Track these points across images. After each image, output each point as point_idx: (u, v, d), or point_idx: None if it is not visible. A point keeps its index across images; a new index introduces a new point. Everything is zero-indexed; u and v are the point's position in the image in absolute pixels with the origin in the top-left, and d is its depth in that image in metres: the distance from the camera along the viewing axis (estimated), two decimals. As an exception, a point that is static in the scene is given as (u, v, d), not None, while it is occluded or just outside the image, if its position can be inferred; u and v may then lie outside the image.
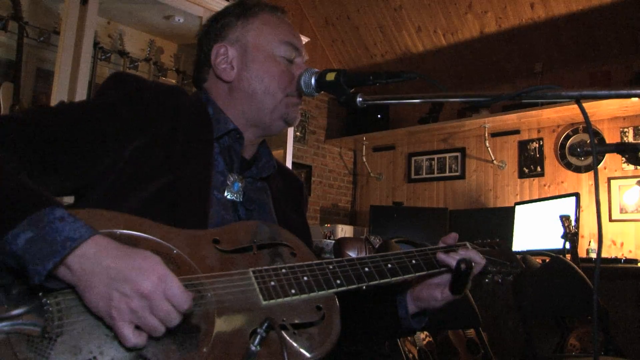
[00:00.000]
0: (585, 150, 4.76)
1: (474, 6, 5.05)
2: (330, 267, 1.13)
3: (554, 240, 3.88)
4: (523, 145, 5.30)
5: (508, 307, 4.44)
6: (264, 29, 1.34)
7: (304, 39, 4.65)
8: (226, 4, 3.96)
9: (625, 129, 4.66)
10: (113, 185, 1.11)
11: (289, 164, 4.65)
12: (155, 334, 0.86)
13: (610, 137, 4.72)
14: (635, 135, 4.62)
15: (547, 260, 3.06)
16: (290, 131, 4.74)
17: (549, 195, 4.77)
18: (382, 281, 1.17)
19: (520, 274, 1.41)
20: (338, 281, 1.11)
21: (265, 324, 0.96)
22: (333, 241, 4.01)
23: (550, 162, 5.11)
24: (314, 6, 5.91)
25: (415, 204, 5.99)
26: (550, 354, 3.23)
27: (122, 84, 1.21)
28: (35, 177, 1.00)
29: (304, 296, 1.06)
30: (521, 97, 0.98)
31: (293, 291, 1.06)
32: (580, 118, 4.67)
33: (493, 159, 5.40)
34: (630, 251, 4.46)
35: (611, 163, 4.68)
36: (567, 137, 5.01)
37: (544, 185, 5.11)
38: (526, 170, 5.24)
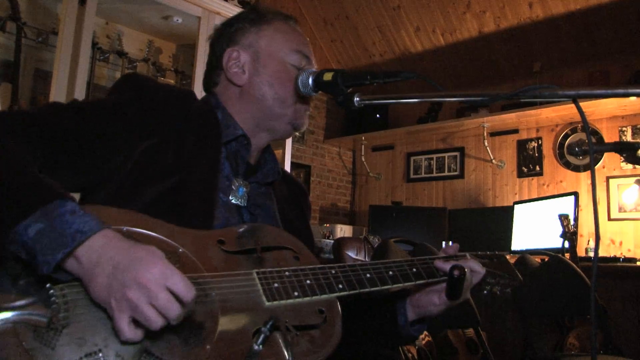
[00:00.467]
0: (583, 150, 4.77)
1: (472, 6, 5.05)
2: (333, 271, 1.15)
3: (553, 239, 3.88)
4: (522, 145, 5.30)
5: (507, 307, 4.45)
6: (276, 36, 1.36)
7: (303, 39, 4.64)
8: (224, 4, 3.98)
9: (624, 128, 4.66)
10: (121, 184, 1.12)
11: (287, 164, 4.65)
12: (152, 326, 0.85)
13: (609, 136, 4.73)
14: (633, 134, 4.62)
15: (546, 260, 3.06)
16: (289, 131, 4.73)
17: (547, 195, 4.77)
18: (383, 287, 1.19)
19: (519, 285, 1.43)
20: (340, 285, 1.13)
21: (270, 323, 0.98)
22: (332, 241, 4.01)
23: (549, 161, 5.11)
24: (312, 6, 5.90)
25: (414, 203, 5.99)
26: (550, 353, 3.24)
27: (134, 85, 1.23)
28: (46, 172, 1.01)
29: (306, 299, 1.08)
30: (519, 97, 0.98)
31: (296, 294, 1.07)
32: (579, 117, 4.66)
33: (492, 158, 5.40)
34: (629, 250, 4.46)
35: (610, 162, 4.69)
36: (566, 137, 5.01)
37: (543, 185, 5.11)
38: (525, 170, 5.24)
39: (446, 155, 5.86)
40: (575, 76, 5.00)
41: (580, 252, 4.28)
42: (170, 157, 1.18)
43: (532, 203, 4.62)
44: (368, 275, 1.18)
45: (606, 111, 4.65)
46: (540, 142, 5.18)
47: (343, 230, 5.46)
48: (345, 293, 1.13)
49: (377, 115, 5.98)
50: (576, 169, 4.91)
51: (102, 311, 0.87)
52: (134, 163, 1.14)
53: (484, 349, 3.13)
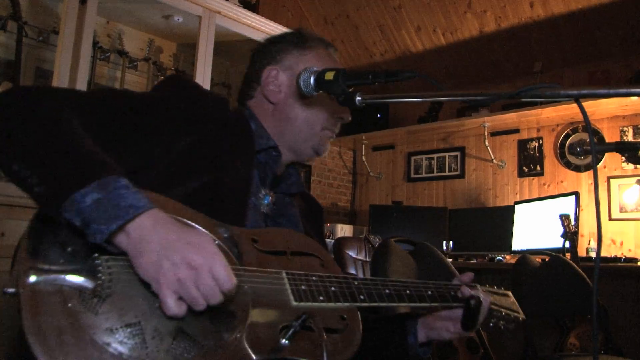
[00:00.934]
0: (585, 150, 4.76)
1: (473, 5, 5.05)
2: (356, 282, 1.21)
3: (553, 239, 3.88)
4: (522, 145, 5.30)
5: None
6: (316, 63, 1.38)
7: (304, 39, 4.64)
8: (225, 3, 3.98)
9: (625, 128, 4.66)
10: (159, 175, 1.16)
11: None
12: (196, 307, 0.90)
13: (610, 136, 4.72)
14: (634, 134, 4.62)
15: (547, 260, 3.06)
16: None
17: (548, 195, 4.77)
18: (400, 304, 1.26)
19: (520, 322, 1.52)
20: (362, 297, 1.19)
21: (302, 318, 1.05)
22: (332, 241, 4.00)
23: (550, 161, 5.10)
24: (313, 5, 5.90)
25: (414, 203, 5.99)
26: (550, 353, 3.23)
27: (179, 85, 1.29)
28: None
29: (330, 304, 1.14)
30: (520, 96, 0.98)
31: (321, 298, 1.13)
32: (580, 117, 4.67)
33: (492, 158, 5.40)
34: (630, 250, 4.46)
35: (611, 162, 4.68)
36: (567, 136, 5.01)
37: (544, 185, 5.11)
38: (526, 170, 5.24)
39: (447, 155, 5.86)
40: (576, 76, 5.00)
41: (581, 252, 4.28)
42: (208, 155, 1.22)
43: (532, 203, 4.62)
44: (387, 291, 1.25)
45: (607, 111, 4.64)
46: (541, 142, 5.18)
47: (343, 230, 5.46)
48: (366, 304, 1.19)
49: (378, 115, 5.97)
50: (577, 169, 4.90)
51: (143, 287, 0.91)
52: (175, 155, 1.19)
53: (485, 349, 3.13)
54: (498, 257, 4.66)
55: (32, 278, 0.85)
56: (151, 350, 0.87)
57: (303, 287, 1.12)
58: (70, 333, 0.82)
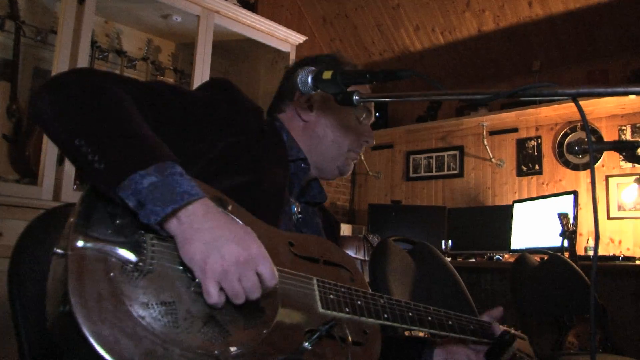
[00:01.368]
0: (583, 149, 4.76)
1: (471, 4, 5.05)
2: (382, 301, 1.25)
3: (552, 238, 3.88)
4: (521, 144, 5.30)
5: (506, 305, 4.44)
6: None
7: (302, 38, 4.65)
8: (223, 3, 3.98)
9: (623, 127, 4.66)
10: (201, 171, 1.18)
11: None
12: (236, 300, 0.94)
13: (608, 135, 4.73)
14: (633, 133, 4.62)
15: (546, 259, 3.06)
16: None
17: (547, 194, 4.76)
18: (421, 329, 1.29)
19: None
20: (385, 315, 1.23)
21: (330, 324, 1.08)
22: (331, 240, 3.99)
23: (549, 160, 5.11)
24: (312, 5, 5.90)
25: (413, 202, 5.99)
26: (549, 352, 3.24)
27: (223, 88, 1.32)
28: None
29: (354, 317, 1.17)
30: (518, 95, 0.98)
31: (347, 309, 1.16)
32: (579, 116, 4.67)
33: (491, 157, 5.40)
34: (628, 249, 4.46)
35: (609, 161, 4.69)
36: (565, 135, 5.01)
37: (542, 184, 5.11)
38: (524, 169, 5.24)
39: (445, 154, 5.86)
40: (575, 75, 5.00)
41: (580, 251, 4.28)
42: (248, 157, 1.26)
43: (531, 202, 4.63)
44: (410, 314, 1.28)
45: (605, 110, 4.64)
46: (539, 141, 5.18)
47: (342, 229, 5.45)
48: (389, 323, 1.22)
49: (377, 114, 5.95)
50: (575, 167, 4.90)
51: (182, 271, 0.95)
52: (217, 153, 1.22)
53: None
54: (497, 256, 4.66)
55: (81, 242, 0.88)
56: (181, 330, 0.90)
57: (331, 296, 1.15)
58: (109, 300, 0.85)
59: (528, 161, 5.23)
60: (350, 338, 1.12)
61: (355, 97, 1.15)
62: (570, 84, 4.76)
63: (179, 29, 4.20)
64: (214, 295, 0.91)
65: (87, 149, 0.92)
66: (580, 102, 0.90)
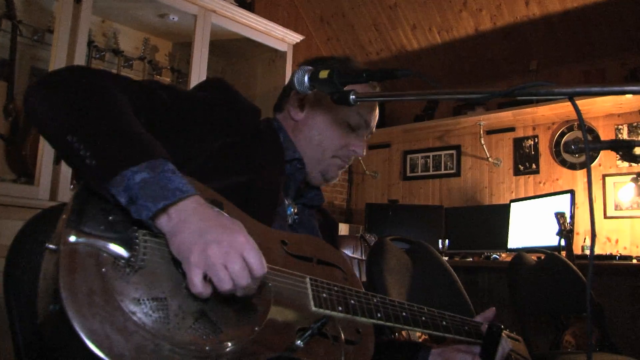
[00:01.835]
0: (579, 148, 4.76)
1: (468, 4, 5.05)
2: (375, 300, 1.24)
3: (549, 237, 3.89)
4: (518, 143, 5.31)
5: (504, 305, 4.45)
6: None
7: (299, 38, 4.64)
8: (220, 2, 3.97)
9: (620, 126, 4.67)
10: (195, 170, 1.18)
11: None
12: (221, 286, 0.91)
13: (605, 134, 4.73)
14: (629, 132, 4.63)
15: (543, 258, 3.07)
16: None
17: (544, 193, 4.77)
18: (414, 329, 1.30)
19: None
20: (379, 314, 1.22)
21: (321, 322, 1.08)
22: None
23: (546, 159, 5.11)
24: (309, 4, 5.90)
25: (410, 201, 5.99)
26: (546, 351, 3.24)
27: (220, 88, 1.32)
28: None
29: (347, 316, 1.17)
30: (514, 94, 0.98)
31: (340, 308, 1.16)
32: (575, 115, 4.67)
33: (488, 156, 5.41)
34: (625, 248, 4.47)
35: (606, 160, 4.69)
36: (562, 135, 5.01)
37: (539, 183, 5.11)
38: (521, 168, 5.25)
39: (443, 153, 5.86)
40: (572, 74, 5.01)
41: (577, 250, 4.29)
42: (243, 158, 1.27)
43: (528, 201, 4.63)
44: (404, 314, 1.28)
45: (602, 109, 4.65)
46: (536, 140, 5.19)
47: (340, 229, 5.46)
48: (382, 322, 1.22)
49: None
50: (572, 167, 4.91)
51: (174, 266, 0.95)
52: (210, 154, 1.23)
53: (481, 347, 3.13)
54: (494, 256, 4.67)
55: (73, 238, 0.88)
56: (172, 326, 0.90)
57: (324, 295, 1.15)
58: (100, 295, 0.86)
59: (525, 160, 5.23)
60: (343, 336, 1.12)
61: (352, 97, 1.15)
62: (568, 83, 4.78)
63: (176, 28, 4.19)
64: (197, 285, 0.90)
65: (79, 145, 0.92)
66: (577, 102, 0.91)
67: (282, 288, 1.09)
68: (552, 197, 4.33)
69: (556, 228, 3.44)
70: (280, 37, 4.50)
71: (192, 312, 0.93)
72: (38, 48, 3.64)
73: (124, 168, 0.90)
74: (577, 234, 4.61)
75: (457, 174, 5.71)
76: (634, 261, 3.95)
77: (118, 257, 0.91)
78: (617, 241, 4.53)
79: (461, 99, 1.12)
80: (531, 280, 2.89)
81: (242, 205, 1.15)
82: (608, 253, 4.30)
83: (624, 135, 4.65)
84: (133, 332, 0.85)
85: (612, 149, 1.69)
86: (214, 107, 1.26)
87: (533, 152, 5.19)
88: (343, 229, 5.52)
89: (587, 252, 4.47)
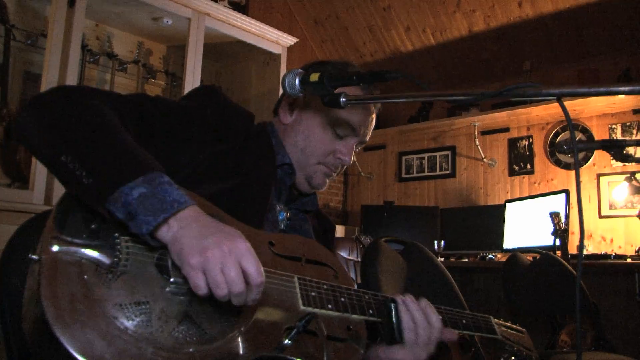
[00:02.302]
0: (571, 148, 4.78)
1: (462, 5, 5.07)
2: (366, 297, 1.24)
3: (544, 237, 3.90)
4: (513, 143, 5.32)
5: (499, 305, 4.46)
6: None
7: (293, 40, 4.65)
8: (214, 5, 3.97)
9: (614, 126, 4.69)
10: (184, 178, 1.19)
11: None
12: (217, 291, 0.91)
13: (599, 134, 4.75)
14: (623, 131, 4.64)
15: (538, 258, 3.07)
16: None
17: (539, 193, 4.78)
18: None
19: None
20: (371, 311, 1.22)
21: (306, 319, 1.07)
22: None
23: (540, 159, 5.13)
24: (302, 6, 5.91)
25: (406, 202, 6.00)
26: (542, 351, 3.25)
27: (209, 96, 1.32)
28: None
29: (337, 314, 1.16)
30: (503, 95, 0.98)
31: (330, 306, 1.16)
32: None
33: (483, 157, 5.42)
34: (619, 247, 4.48)
35: (600, 159, 4.71)
36: (557, 135, 5.03)
37: (534, 183, 5.13)
38: (516, 168, 5.26)
39: (437, 154, 5.88)
40: (565, 74, 5.02)
41: (572, 250, 4.29)
42: (232, 164, 1.27)
43: (523, 201, 4.64)
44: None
45: (596, 109, 4.67)
46: (531, 141, 5.20)
47: (335, 231, 5.45)
48: (374, 319, 1.22)
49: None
50: (567, 166, 4.92)
51: (157, 271, 0.96)
52: (200, 162, 1.23)
53: (476, 348, 3.14)
54: (489, 256, 4.68)
55: (55, 247, 0.89)
56: (155, 329, 0.91)
57: (313, 294, 1.15)
58: (83, 302, 0.86)
59: (520, 161, 5.25)
60: (325, 332, 1.11)
61: (342, 99, 1.15)
62: (561, 83, 4.78)
63: (170, 31, 4.20)
64: (203, 287, 0.90)
65: (74, 164, 0.92)
66: (571, 102, 0.91)
67: (269, 288, 1.09)
68: (547, 197, 4.35)
69: (551, 228, 3.45)
70: (275, 39, 4.51)
71: (175, 315, 0.94)
72: (31, 52, 3.64)
73: (121, 184, 0.90)
74: (572, 233, 4.62)
75: (452, 174, 5.72)
76: (629, 260, 3.96)
77: (100, 263, 0.92)
78: (611, 240, 4.54)
79: (452, 100, 1.12)
80: (526, 280, 2.89)
81: (231, 210, 1.15)
82: (603, 252, 4.31)
83: (618, 134, 4.66)
84: (115, 336, 0.86)
85: (604, 149, 1.69)
86: (204, 115, 1.26)
87: (528, 153, 5.20)
88: (338, 230, 5.52)
89: (583, 251, 4.48)
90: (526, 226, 4.41)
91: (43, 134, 0.99)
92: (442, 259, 4.71)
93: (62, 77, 3.22)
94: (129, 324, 0.89)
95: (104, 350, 0.84)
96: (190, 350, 0.92)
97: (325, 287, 1.18)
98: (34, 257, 0.90)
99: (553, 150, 5.02)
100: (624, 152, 1.83)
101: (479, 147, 5.39)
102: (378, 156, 6.36)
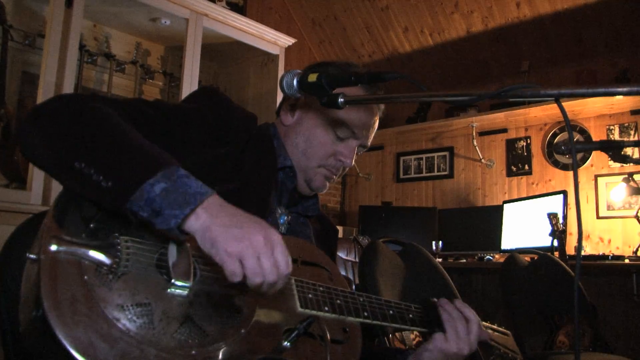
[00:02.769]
0: (569, 148, 4.79)
1: (460, 6, 5.07)
2: (361, 299, 1.24)
3: (542, 238, 3.90)
4: (511, 144, 5.32)
5: (497, 305, 4.46)
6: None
7: (291, 41, 4.65)
8: (212, 6, 3.97)
9: (612, 127, 4.69)
10: None
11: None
12: (254, 279, 0.91)
13: (597, 135, 4.75)
14: (621, 132, 4.65)
15: (536, 258, 3.08)
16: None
17: (537, 194, 4.79)
18: (402, 326, 1.30)
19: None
20: (365, 313, 1.22)
21: (307, 322, 1.08)
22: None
23: (538, 160, 5.13)
24: (301, 7, 5.91)
25: (404, 203, 6.00)
26: (539, 351, 3.25)
27: (210, 98, 1.31)
28: None
29: (334, 316, 1.17)
30: (501, 96, 0.98)
31: (326, 308, 1.16)
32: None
33: (481, 157, 5.42)
34: (617, 248, 4.49)
35: (598, 160, 4.71)
36: (555, 135, 5.03)
37: (532, 184, 5.13)
38: (514, 169, 5.27)
39: (435, 155, 5.88)
40: (563, 75, 5.03)
41: (570, 250, 4.30)
42: (232, 166, 1.26)
43: (521, 202, 4.65)
44: (391, 312, 1.28)
45: (594, 110, 4.67)
46: (529, 141, 5.21)
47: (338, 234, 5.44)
48: (368, 321, 1.22)
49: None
50: (565, 167, 4.93)
51: (158, 272, 0.96)
52: (201, 165, 1.21)
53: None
54: (487, 257, 4.68)
55: (54, 247, 0.88)
56: (157, 331, 0.90)
57: (310, 295, 1.15)
58: (83, 303, 0.86)
59: (518, 161, 5.25)
60: (329, 336, 1.12)
61: (340, 100, 1.15)
62: (559, 84, 4.79)
63: (168, 32, 4.19)
64: (239, 275, 0.91)
65: (89, 170, 0.91)
66: (569, 102, 0.91)
67: None
68: (545, 197, 4.35)
69: (549, 229, 3.45)
70: (273, 40, 4.51)
71: (177, 316, 0.94)
72: (29, 53, 3.63)
73: (141, 183, 0.89)
74: (570, 234, 4.63)
75: (450, 175, 5.72)
76: (626, 261, 3.97)
77: (100, 264, 0.91)
78: (609, 241, 4.55)
79: (449, 100, 1.12)
80: (524, 281, 2.89)
81: None
82: (601, 253, 4.31)
83: (616, 135, 4.67)
84: (117, 338, 0.86)
85: (602, 150, 1.69)
86: (204, 117, 1.25)
87: (525, 153, 5.21)
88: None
89: (581, 252, 4.48)
90: (524, 227, 4.42)
91: (50, 144, 0.96)
92: (440, 260, 4.71)
93: (59, 78, 3.21)
94: (130, 325, 0.88)
95: (107, 352, 0.83)
96: (193, 352, 0.92)
97: (321, 289, 1.19)
98: (32, 256, 0.88)
99: (551, 151, 5.02)
100: (622, 153, 1.83)
101: (476, 147, 5.39)
102: (376, 157, 6.36)
